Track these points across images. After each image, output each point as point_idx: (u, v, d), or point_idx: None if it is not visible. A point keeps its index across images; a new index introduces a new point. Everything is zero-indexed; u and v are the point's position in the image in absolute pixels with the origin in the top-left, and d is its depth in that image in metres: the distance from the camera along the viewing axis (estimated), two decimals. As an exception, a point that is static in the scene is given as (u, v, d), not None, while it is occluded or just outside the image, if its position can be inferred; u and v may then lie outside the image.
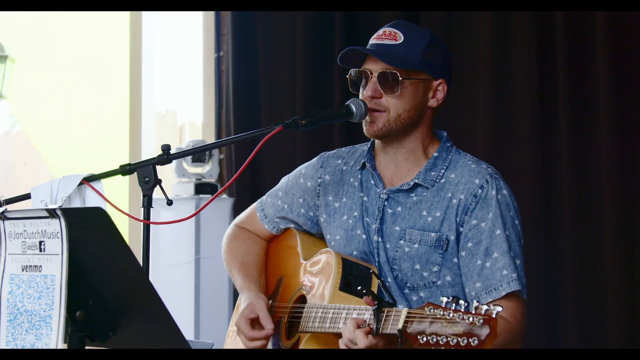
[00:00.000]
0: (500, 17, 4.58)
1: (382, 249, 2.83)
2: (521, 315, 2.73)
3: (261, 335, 2.79)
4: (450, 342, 2.08)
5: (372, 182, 2.92)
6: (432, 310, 2.15)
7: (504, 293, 2.70)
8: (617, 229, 4.11)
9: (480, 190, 2.77)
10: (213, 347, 2.43)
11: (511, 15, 4.55)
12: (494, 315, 2.06)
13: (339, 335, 2.51)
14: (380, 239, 2.84)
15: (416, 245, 2.78)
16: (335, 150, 3.10)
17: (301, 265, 2.97)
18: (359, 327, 2.43)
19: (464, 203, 2.77)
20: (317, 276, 2.85)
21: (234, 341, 3.08)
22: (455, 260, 2.78)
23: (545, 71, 4.45)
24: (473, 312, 2.08)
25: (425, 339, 2.13)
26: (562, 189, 4.33)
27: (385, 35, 2.84)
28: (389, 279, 2.81)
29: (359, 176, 2.95)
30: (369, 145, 2.97)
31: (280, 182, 3.17)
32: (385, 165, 2.91)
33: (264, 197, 3.19)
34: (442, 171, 2.84)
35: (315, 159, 3.09)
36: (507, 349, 2.68)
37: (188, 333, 5.51)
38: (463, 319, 2.08)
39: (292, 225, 3.12)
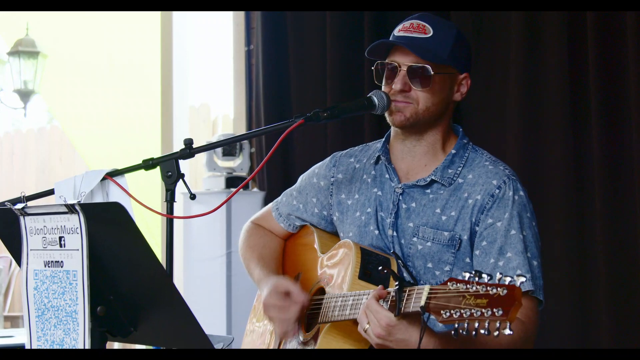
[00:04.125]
0: (530, 17, 4.53)
1: (397, 244, 2.81)
2: (534, 316, 2.68)
3: (297, 300, 2.78)
4: (475, 314, 2.05)
5: (387, 175, 2.89)
6: (454, 285, 2.13)
7: None
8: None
9: (497, 191, 2.74)
10: (233, 341, 2.42)
11: (541, 15, 4.50)
12: (517, 285, 2.04)
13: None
14: (395, 233, 2.82)
15: (429, 244, 2.76)
16: (347, 150, 3.08)
17: (319, 259, 2.96)
18: (380, 297, 2.43)
19: (481, 203, 2.74)
20: (335, 267, 2.84)
21: (251, 340, 3.07)
22: (468, 260, 2.75)
23: (576, 71, 4.38)
24: (497, 283, 2.06)
25: (448, 313, 2.11)
26: (594, 188, 4.27)
27: (414, 28, 2.80)
28: (405, 274, 2.78)
29: (372, 172, 2.93)
30: (383, 140, 2.95)
31: (297, 181, 3.16)
32: (401, 158, 2.89)
33: (279, 197, 3.19)
34: (460, 169, 2.81)
35: (328, 158, 3.08)
36: (528, 348, 2.66)
37: (220, 326, 5.52)
38: (487, 291, 2.06)
39: (307, 224, 3.12)
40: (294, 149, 5.68)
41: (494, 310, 2.03)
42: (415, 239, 2.78)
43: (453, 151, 2.84)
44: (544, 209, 4.41)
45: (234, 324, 5.58)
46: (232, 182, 5.80)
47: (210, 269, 5.67)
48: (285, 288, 2.82)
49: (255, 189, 5.84)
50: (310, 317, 2.85)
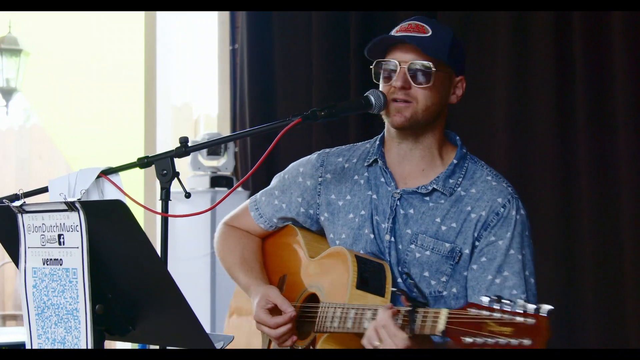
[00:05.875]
0: (517, 17, 4.54)
1: (394, 249, 2.79)
2: None
3: (285, 319, 2.74)
4: (500, 342, 2.03)
5: (383, 179, 2.86)
6: (475, 311, 2.11)
7: None
8: (636, 226, 4.06)
9: (502, 209, 2.74)
10: (234, 340, 2.41)
11: (528, 15, 4.51)
12: (545, 315, 2.02)
13: (360, 336, 2.49)
14: (392, 239, 2.80)
15: (428, 253, 2.75)
16: (335, 148, 3.03)
17: (308, 263, 2.92)
18: (393, 315, 2.40)
19: (485, 219, 2.74)
20: (329, 275, 2.80)
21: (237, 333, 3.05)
22: (465, 273, 2.75)
23: (563, 71, 4.40)
24: (521, 311, 2.04)
25: (470, 339, 2.08)
26: (581, 190, 4.29)
27: (412, 28, 2.78)
28: (399, 280, 2.77)
29: (365, 173, 2.90)
30: (377, 142, 2.91)
31: (274, 180, 3.09)
32: (397, 162, 2.86)
33: (257, 196, 3.12)
34: (460, 179, 2.80)
35: (314, 157, 3.03)
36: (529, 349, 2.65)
37: (204, 325, 5.50)
38: (512, 320, 2.04)
39: (289, 223, 3.07)
40: (278, 149, 5.64)
41: (522, 340, 2.02)
42: (412, 246, 2.77)
43: (455, 161, 2.83)
44: (531, 209, 4.40)
45: (218, 323, 5.58)
46: (217, 181, 5.80)
47: (194, 268, 5.66)
48: (272, 303, 2.79)
49: (240, 189, 5.82)
50: (302, 324, 2.81)
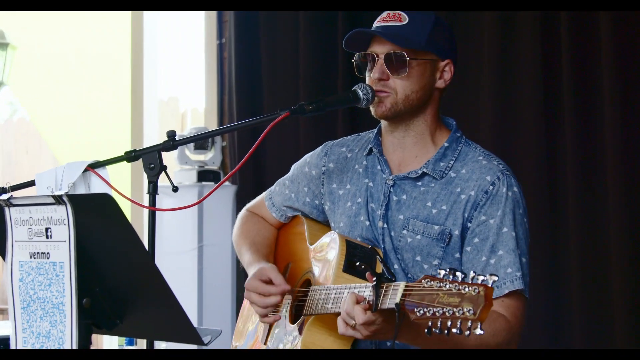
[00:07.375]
0: (504, 17, 4.55)
1: (387, 236, 2.80)
2: (521, 315, 2.69)
3: (276, 290, 2.77)
4: (447, 312, 2.05)
5: (379, 167, 2.88)
6: (429, 283, 2.12)
7: (506, 291, 2.66)
8: (622, 224, 4.06)
9: (491, 187, 2.73)
10: (221, 334, 2.41)
11: (515, 15, 4.52)
12: (490, 285, 2.03)
13: None
14: (385, 225, 2.81)
15: (419, 237, 2.75)
16: (340, 139, 3.07)
17: (307, 250, 2.96)
18: (358, 302, 2.40)
19: (474, 199, 2.73)
20: (321, 259, 2.84)
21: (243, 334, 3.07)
22: (457, 255, 2.75)
23: (550, 71, 4.40)
24: (470, 282, 2.06)
25: (422, 311, 2.10)
26: (567, 183, 4.30)
27: (390, 17, 2.79)
28: (395, 266, 2.78)
29: (364, 162, 2.92)
30: (375, 131, 2.94)
31: (290, 170, 3.15)
32: (392, 150, 2.88)
33: (273, 186, 3.18)
34: (452, 162, 2.80)
35: (320, 147, 3.07)
36: (507, 348, 2.66)
37: (191, 320, 5.50)
38: (459, 289, 2.05)
39: (299, 214, 3.11)
40: (266, 143, 5.66)
41: (465, 309, 2.03)
42: (405, 231, 2.77)
43: (446, 144, 2.83)
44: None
45: (205, 318, 5.57)
46: (204, 175, 5.79)
47: (181, 263, 5.65)
48: (268, 276, 2.81)
49: (227, 183, 5.82)
50: (297, 308, 2.85)
